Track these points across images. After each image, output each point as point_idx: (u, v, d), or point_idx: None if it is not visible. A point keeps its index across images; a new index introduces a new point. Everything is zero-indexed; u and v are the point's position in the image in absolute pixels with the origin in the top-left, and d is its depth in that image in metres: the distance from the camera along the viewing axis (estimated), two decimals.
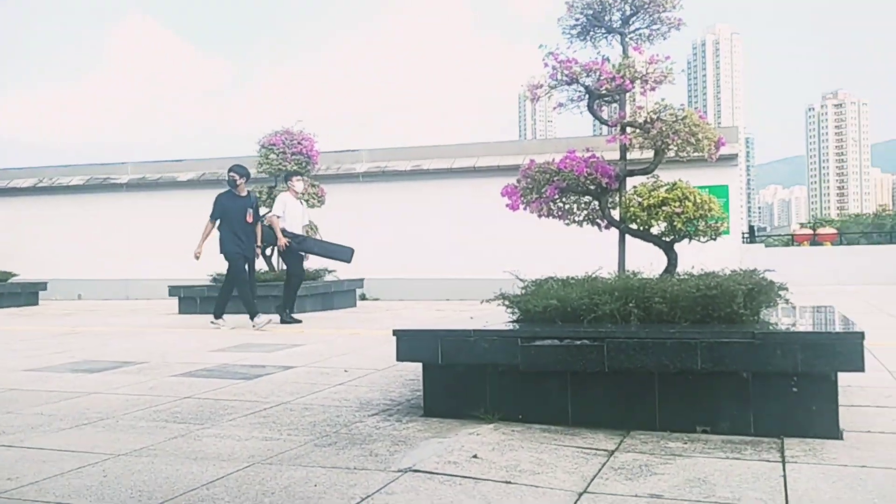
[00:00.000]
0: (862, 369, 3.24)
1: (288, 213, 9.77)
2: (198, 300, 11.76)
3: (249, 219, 9.06)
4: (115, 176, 18.37)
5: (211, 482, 2.71)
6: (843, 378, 4.03)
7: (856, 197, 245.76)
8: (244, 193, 9.21)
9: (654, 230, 4.68)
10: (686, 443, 3.22)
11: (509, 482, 2.67)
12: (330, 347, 6.90)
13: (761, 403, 3.36)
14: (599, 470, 2.83)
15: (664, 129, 4.49)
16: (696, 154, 4.65)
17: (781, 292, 4.22)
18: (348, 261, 10.50)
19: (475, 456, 2.98)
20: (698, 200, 4.50)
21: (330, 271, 12.44)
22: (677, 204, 4.48)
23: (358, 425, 3.64)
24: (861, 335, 3.25)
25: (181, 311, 11.90)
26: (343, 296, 13.06)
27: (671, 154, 4.73)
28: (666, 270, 4.51)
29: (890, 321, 8.68)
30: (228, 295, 9.16)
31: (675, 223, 4.53)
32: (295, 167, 12.32)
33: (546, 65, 4.67)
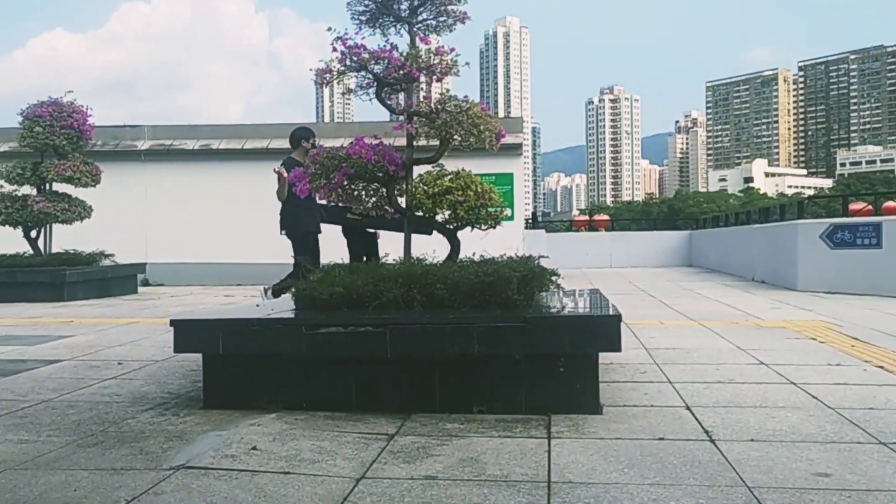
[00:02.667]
0: (618, 349, 3.54)
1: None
2: None
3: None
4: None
5: None
6: (606, 356, 4.40)
7: (628, 186, 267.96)
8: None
9: (439, 218, 4.81)
10: (463, 423, 3.36)
11: (288, 472, 2.65)
12: (102, 338, 6.45)
13: (532, 383, 3.58)
14: (379, 454, 2.88)
15: (448, 119, 4.61)
16: (478, 145, 4.82)
17: (554, 277, 4.52)
18: (430, 233, 9.60)
19: (254, 448, 2.92)
20: (480, 189, 4.67)
21: (108, 255, 11.62)
22: (460, 193, 4.63)
23: (129, 422, 3.44)
24: (618, 318, 3.55)
25: None
26: (122, 282, 12.23)
27: (456, 144, 4.87)
28: (449, 257, 4.65)
29: (650, 301, 9.56)
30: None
31: (458, 211, 4.68)
32: (64, 141, 11.36)
33: (335, 49, 4.63)
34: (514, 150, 14.87)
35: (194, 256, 14.70)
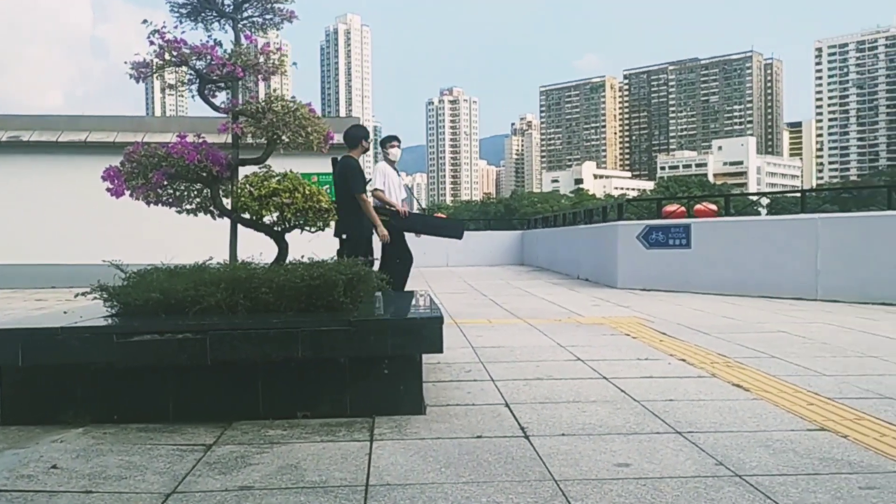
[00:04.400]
0: (440, 351, 3.63)
1: (389, 185, 7.95)
2: None
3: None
4: None
5: None
6: (434, 356, 4.49)
7: (467, 185, 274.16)
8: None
9: (267, 220, 4.72)
10: (286, 429, 3.32)
11: (90, 491, 2.51)
12: None
13: (357, 386, 3.59)
14: (194, 466, 2.79)
15: (275, 120, 4.53)
16: (307, 146, 4.77)
17: (382, 280, 4.57)
18: (459, 237, 8.70)
19: (54, 466, 2.75)
20: (308, 192, 4.63)
21: None
22: (288, 195, 4.56)
23: None
24: (440, 320, 3.64)
25: None
26: None
27: (286, 144, 4.79)
28: (276, 260, 4.57)
29: (481, 300, 9.84)
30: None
31: (285, 214, 4.61)
32: None
33: (152, 43, 4.43)
34: None
35: (2, 257, 13.56)
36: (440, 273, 16.86)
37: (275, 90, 4.70)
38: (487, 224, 37.68)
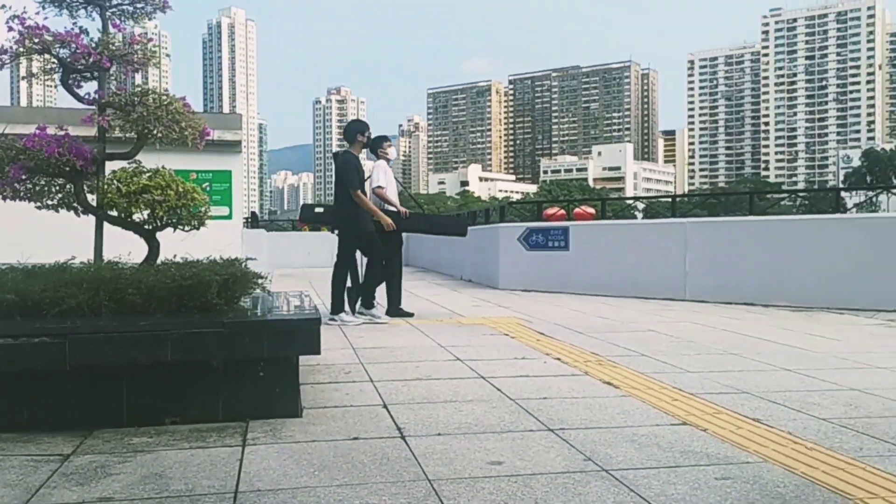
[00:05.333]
0: (318, 352, 3.58)
1: (390, 184, 7.71)
2: None
3: None
4: None
5: None
6: (313, 357, 4.42)
7: None
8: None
9: (137, 218, 4.52)
10: (152, 437, 3.18)
11: None
12: None
13: (230, 389, 3.49)
14: (49, 478, 2.63)
15: (146, 113, 4.34)
16: (181, 142, 4.60)
17: (259, 280, 4.45)
18: (464, 234, 8.39)
19: None
20: (181, 189, 4.45)
21: None
22: (159, 192, 4.38)
23: None
24: (318, 321, 3.58)
25: None
26: None
27: (158, 139, 4.60)
28: (146, 260, 4.39)
29: None
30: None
31: (157, 212, 4.43)
32: None
33: (11, 29, 4.15)
34: (233, 146, 14.40)
35: None
36: (325, 273, 16.64)
37: (153, 83, 4.48)
38: None
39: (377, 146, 7.74)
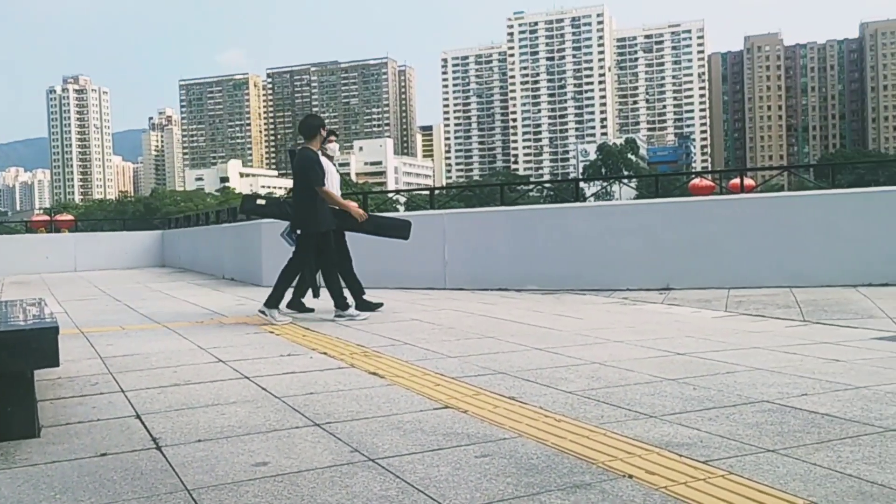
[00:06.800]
0: (56, 364, 3.25)
1: (331, 182, 7.26)
2: None
3: None
4: None
5: None
6: (54, 371, 4.02)
7: (100, 183, 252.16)
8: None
9: None
10: None
11: None
12: None
13: None
14: None
15: None
16: None
17: None
18: (406, 237, 7.93)
19: None
20: None
21: None
22: None
23: None
24: (55, 330, 3.25)
25: None
26: None
27: None
28: None
29: (115, 305, 9.10)
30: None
31: None
32: None
33: None
34: None
35: None
36: (67, 278, 15.27)
37: None
38: (124, 224, 35.04)
39: (324, 140, 7.46)
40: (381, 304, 7.47)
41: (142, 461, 2.83)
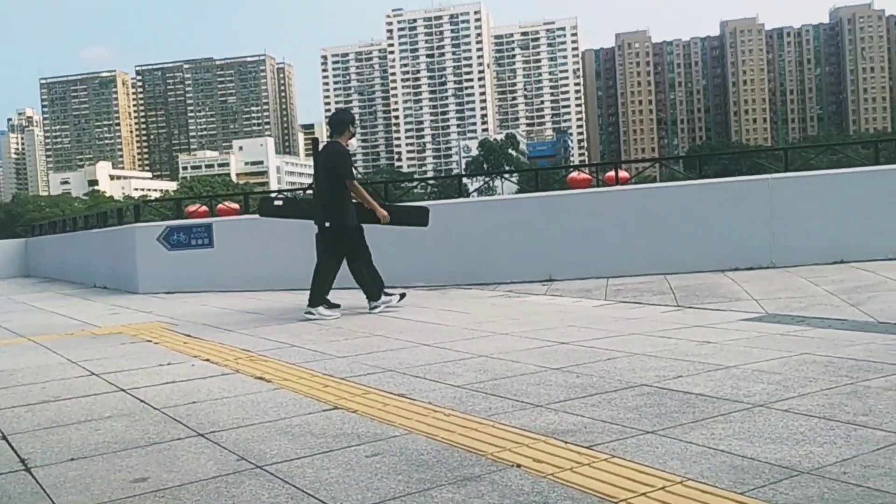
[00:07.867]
0: None
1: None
2: None
3: None
4: None
5: None
6: None
7: None
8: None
9: None
10: None
11: None
12: None
13: None
14: None
15: None
16: None
17: None
18: (426, 223, 7.74)
19: None
20: None
21: None
22: None
23: None
24: None
25: None
26: None
27: None
28: None
29: None
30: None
31: None
32: None
33: None
34: None
35: None
36: None
37: None
38: None
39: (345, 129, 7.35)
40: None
41: (9, 484, 2.66)
